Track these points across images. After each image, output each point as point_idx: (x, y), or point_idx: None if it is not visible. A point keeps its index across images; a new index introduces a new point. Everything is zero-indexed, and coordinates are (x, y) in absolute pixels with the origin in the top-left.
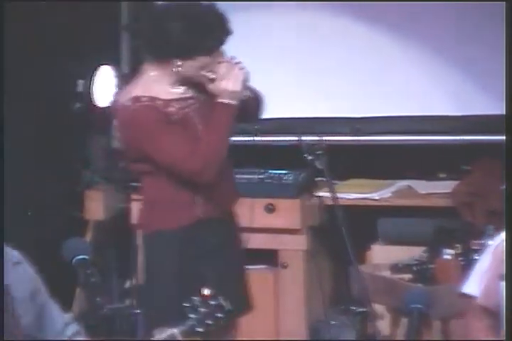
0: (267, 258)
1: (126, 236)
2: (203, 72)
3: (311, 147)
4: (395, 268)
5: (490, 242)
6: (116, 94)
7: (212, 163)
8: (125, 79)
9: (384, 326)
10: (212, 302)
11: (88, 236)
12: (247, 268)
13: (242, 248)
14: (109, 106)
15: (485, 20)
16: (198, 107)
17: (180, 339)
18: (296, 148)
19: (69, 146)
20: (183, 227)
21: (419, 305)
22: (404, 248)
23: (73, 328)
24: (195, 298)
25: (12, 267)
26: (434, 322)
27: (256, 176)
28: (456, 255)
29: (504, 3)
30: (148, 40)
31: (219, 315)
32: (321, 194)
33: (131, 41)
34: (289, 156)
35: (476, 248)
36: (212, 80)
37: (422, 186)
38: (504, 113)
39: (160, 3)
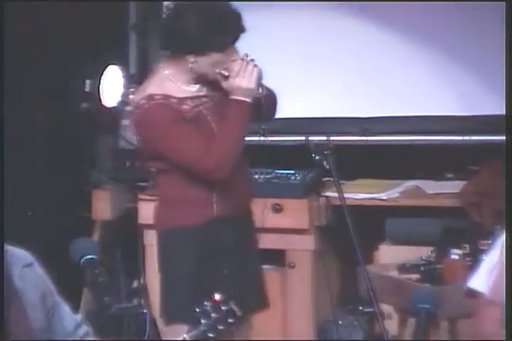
0: (274, 258)
1: (133, 236)
2: (217, 70)
3: (319, 147)
4: (403, 268)
5: (499, 237)
6: (131, 93)
7: (227, 161)
8: (133, 79)
9: (392, 326)
10: (224, 308)
11: (95, 236)
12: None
13: (257, 246)
14: (116, 106)
15: (495, 21)
16: (212, 105)
17: None
18: (303, 148)
19: (76, 146)
20: (199, 225)
21: (426, 305)
22: (412, 248)
23: (83, 329)
24: (207, 303)
25: (23, 269)
26: (442, 322)
27: (263, 176)
28: (464, 255)
29: (504, 3)
30: (163, 36)
31: (230, 320)
32: (328, 194)
33: (139, 41)
34: (296, 156)
35: (483, 248)
36: (226, 77)
37: (430, 186)
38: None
39: (170, 2)
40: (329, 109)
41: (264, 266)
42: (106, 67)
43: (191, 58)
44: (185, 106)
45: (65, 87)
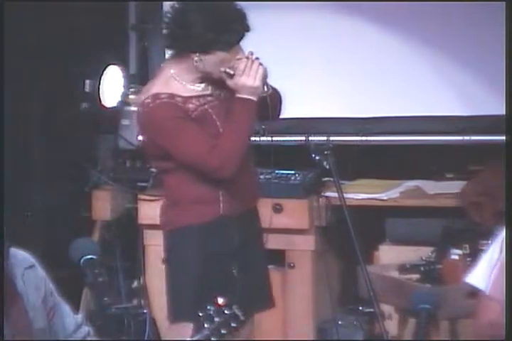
0: (274, 258)
1: (133, 236)
2: (222, 68)
3: (319, 147)
4: (403, 268)
5: (498, 234)
6: (131, 93)
7: (232, 159)
8: (133, 79)
9: (392, 326)
10: (227, 312)
11: (95, 236)
12: None
13: (264, 246)
14: (116, 106)
15: (497, 21)
16: (217, 104)
17: None
18: (303, 148)
19: (76, 146)
20: (205, 224)
21: (427, 306)
22: (412, 248)
23: (84, 330)
24: (210, 307)
25: (25, 272)
26: (442, 322)
27: (263, 176)
28: (464, 255)
29: (504, 3)
30: (168, 35)
31: (233, 324)
32: (328, 194)
33: (139, 41)
34: (296, 156)
35: (484, 248)
36: (232, 76)
37: (430, 186)
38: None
39: (174, 2)
40: (329, 109)
41: None
42: (106, 67)
43: (196, 57)
44: (190, 105)
45: (65, 87)
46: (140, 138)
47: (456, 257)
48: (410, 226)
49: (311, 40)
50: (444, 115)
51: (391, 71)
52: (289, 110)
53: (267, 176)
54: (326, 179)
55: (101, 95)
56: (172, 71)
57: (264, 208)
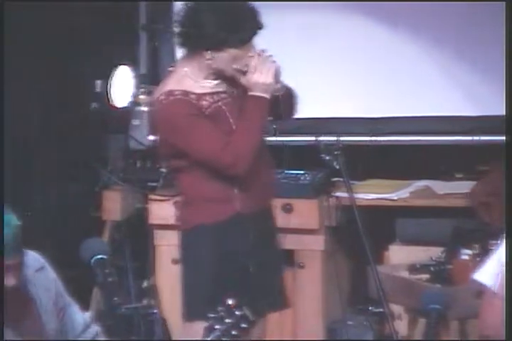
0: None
1: (143, 236)
2: (235, 66)
3: (329, 147)
4: (413, 268)
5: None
6: (141, 93)
7: (245, 156)
8: (143, 79)
9: (401, 326)
10: (237, 313)
11: (106, 236)
12: None
13: (279, 245)
14: (126, 106)
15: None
16: (231, 101)
17: None
18: (313, 148)
19: (86, 147)
20: (221, 222)
21: (436, 306)
22: (422, 248)
23: (93, 330)
24: (221, 308)
25: (35, 274)
26: (452, 322)
27: None
28: (474, 255)
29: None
30: (180, 33)
31: (243, 325)
32: (338, 194)
33: (149, 41)
34: (306, 156)
35: (493, 248)
36: (244, 73)
37: (440, 186)
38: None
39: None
40: (339, 109)
41: None
42: (116, 67)
43: (208, 55)
44: (204, 102)
45: (75, 87)
46: (150, 138)
47: (466, 257)
48: (420, 227)
49: (319, 40)
50: (453, 115)
51: (400, 71)
52: (299, 110)
53: (277, 176)
54: (336, 179)
55: (111, 95)
56: (186, 69)
57: (274, 208)
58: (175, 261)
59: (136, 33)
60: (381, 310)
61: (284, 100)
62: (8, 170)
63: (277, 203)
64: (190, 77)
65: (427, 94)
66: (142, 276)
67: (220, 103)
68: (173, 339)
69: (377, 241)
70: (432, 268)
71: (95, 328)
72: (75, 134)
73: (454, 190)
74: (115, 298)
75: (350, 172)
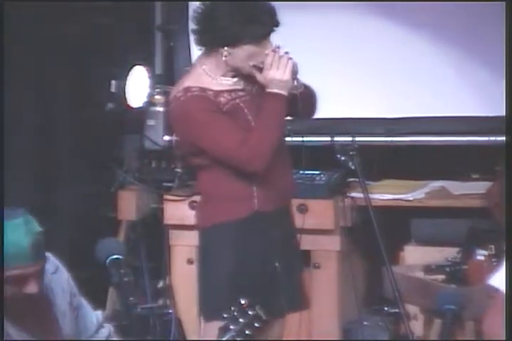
0: None
1: (158, 236)
2: (252, 63)
3: (344, 147)
4: (428, 269)
5: None
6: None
7: (262, 153)
8: (158, 79)
9: (417, 327)
10: (250, 312)
11: (121, 237)
12: None
13: (299, 245)
14: (142, 107)
15: None
16: (249, 99)
17: None
18: (329, 149)
19: (102, 147)
20: (240, 220)
21: (452, 306)
22: (438, 249)
23: (106, 329)
24: (234, 307)
25: (52, 276)
26: (468, 322)
27: None
28: (490, 256)
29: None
30: (198, 31)
31: (257, 325)
32: (353, 194)
33: (165, 42)
34: (321, 157)
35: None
36: (261, 70)
37: (456, 187)
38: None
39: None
40: (355, 109)
41: None
42: (132, 67)
43: (225, 51)
44: (221, 99)
45: (91, 88)
46: (166, 138)
47: (482, 258)
48: (436, 227)
49: (336, 40)
50: (469, 115)
51: (417, 71)
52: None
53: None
54: (352, 179)
55: (127, 95)
56: (203, 67)
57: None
58: (190, 261)
59: (152, 34)
60: (397, 310)
61: (302, 99)
62: (24, 171)
63: (293, 203)
64: (208, 75)
65: (444, 95)
66: (157, 276)
67: (237, 100)
68: (189, 339)
69: (392, 241)
70: (447, 269)
71: (108, 327)
72: (91, 134)
73: (469, 190)
74: (131, 298)
75: (365, 172)
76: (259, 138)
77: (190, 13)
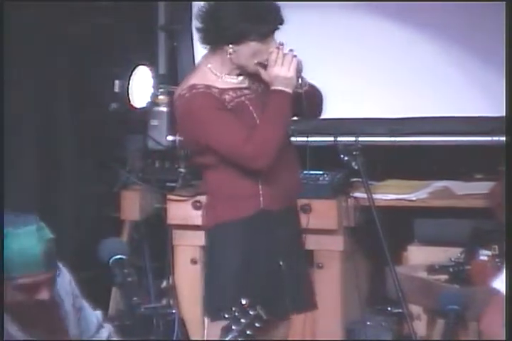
0: None
1: (162, 236)
2: (256, 60)
3: (348, 148)
4: (432, 269)
5: None
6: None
7: (267, 149)
8: (162, 79)
9: (420, 327)
10: (251, 312)
11: (124, 236)
12: None
13: (304, 246)
14: (145, 107)
15: None
16: (254, 97)
17: None
18: (332, 149)
19: (105, 147)
20: (246, 218)
21: (455, 306)
22: (441, 249)
23: (106, 329)
24: (235, 308)
25: (57, 279)
26: (471, 323)
27: None
28: (493, 256)
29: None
30: (202, 30)
31: (257, 324)
32: (357, 194)
33: (168, 42)
34: (325, 157)
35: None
36: (265, 67)
37: (459, 187)
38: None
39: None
40: (358, 109)
41: None
42: (135, 67)
43: (230, 48)
44: (226, 96)
45: (94, 88)
46: (169, 138)
47: (485, 258)
48: (439, 227)
49: (339, 40)
50: (472, 115)
51: (419, 71)
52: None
53: None
54: (355, 179)
55: (130, 95)
56: (209, 65)
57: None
58: (194, 261)
59: (155, 33)
60: (400, 310)
61: (308, 98)
62: (29, 171)
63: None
64: (213, 73)
65: (447, 94)
66: (161, 276)
67: (243, 98)
68: (192, 339)
69: (395, 241)
70: (450, 269)
71: (108, 327)
72: (94, 134)
73: (473, 190)
74: (134, 298)
75: (368, 172)
76: (263, 135)
77: (194, 13)
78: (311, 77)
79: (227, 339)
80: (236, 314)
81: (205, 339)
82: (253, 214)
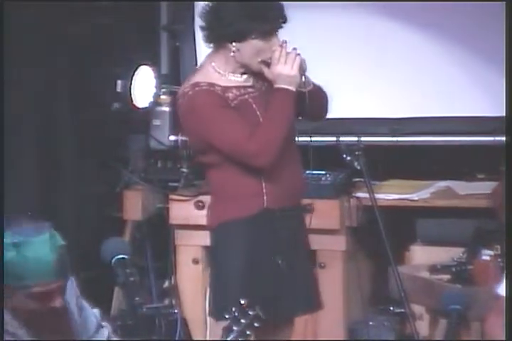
0: None
1: (164, 236)
2: (260, 59)
3: (350, 147)
4: (434, 268)
5: None
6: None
7: (269, 147)
8: (164, 79)
9: (423, 327)
10: (250, 313)
11: (127, 236)
12: None
13: (309, 246)
14: (148, 107)
15: None
16: (258, 95)
17: None
18: (334, 149)
19: (107, 146)
20: (249, 217)
21: (457, 306)
22: (443, 249)
23: (105, 329)
24: (235, 308)
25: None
26: (473, 323)
27: None
28: (495, 256)
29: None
30: (206, 28)
31: (256, 324)
32: (359, 194)
33: (171, 42)
34: (327, 157)
35: None
36: (269, 65)
37: (461, 187)
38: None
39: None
40: (360, 109)
41: None
42: (137, 67)
43: (233, 47)
44: (230, 94)
45: (96, 87)
46: (171, 138)
47: (488, 258)
48: (441, 227)
49: (341, 40)
50: (475, 115)
51: (422, 71)
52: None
53: None
54: (357, 179)
55: (132, 95)
56: (212, 64)
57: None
58: (196, 261)
59: (158, 33)
60: (402, 310)
61: (312, 98)
62: (31, 171)
63: None
64: (217, 71)
65: (449, 94)
66: (163, 276)
67: (246, 96)
68: (194, 339)
69: (398, 241)
70: (453, 269)
71: (107, 327)
72: (96, 134)
73: (475, 190)
74: (136, 298)
75: (371, 172)
76: (266, 132)
77: (196, 12)
78: (314, 76)
79: (228, 339)
80: (236, 314)
81: (208, 339)
82: (257, 213)
